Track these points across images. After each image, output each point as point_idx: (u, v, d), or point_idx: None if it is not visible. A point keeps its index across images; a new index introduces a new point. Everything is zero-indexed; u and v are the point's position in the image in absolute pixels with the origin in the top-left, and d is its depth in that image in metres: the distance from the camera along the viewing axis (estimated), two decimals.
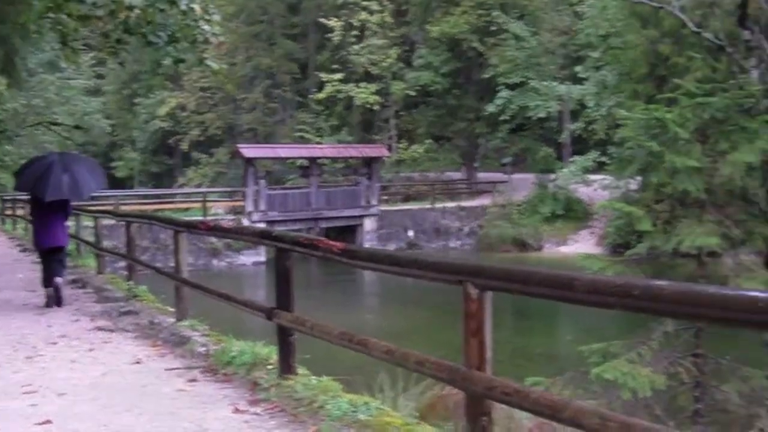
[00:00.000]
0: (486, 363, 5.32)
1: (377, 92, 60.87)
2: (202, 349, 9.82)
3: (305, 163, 49.79)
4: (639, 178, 33.13)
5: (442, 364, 5.76)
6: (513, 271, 5.32)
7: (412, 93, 60.45)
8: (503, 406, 5.74)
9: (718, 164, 11.81)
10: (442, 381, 6.41)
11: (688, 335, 11.69)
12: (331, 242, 7.19)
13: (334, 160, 55.14)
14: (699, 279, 11.69)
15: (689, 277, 13.93)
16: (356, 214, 47.60)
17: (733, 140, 12.03)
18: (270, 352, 8.78)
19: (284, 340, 8.03)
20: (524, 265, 5.78)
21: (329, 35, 63.35)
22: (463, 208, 51.76)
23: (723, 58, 15.07)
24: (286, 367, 7.98)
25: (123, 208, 35.54)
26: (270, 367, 8.43)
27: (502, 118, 53.78)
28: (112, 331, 11.40)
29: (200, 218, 35.75)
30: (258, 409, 7.16)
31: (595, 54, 49.78)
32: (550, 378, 12.13)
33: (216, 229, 11.52)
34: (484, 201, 53.28)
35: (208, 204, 46.59)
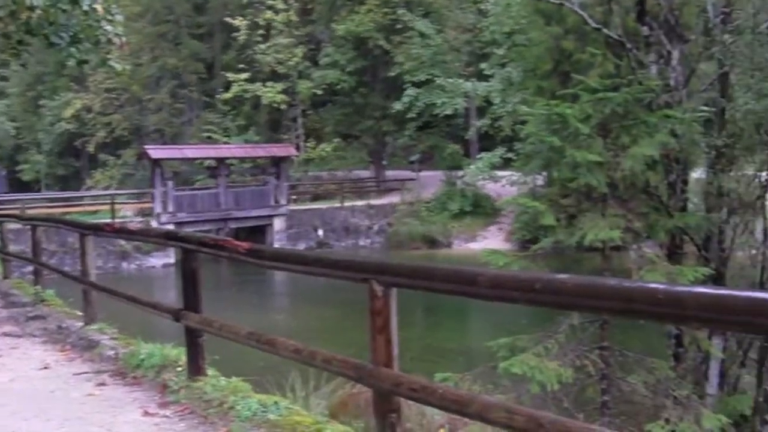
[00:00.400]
0: (393, 360, 5.31)
1: (284, 91, 60.60)
2: (110, 353, 9.68)
3: (213, 163, 49.45)
4: (545, 173, 33.65)
5: (349, 362, 5.74)
6: (417, 267, 5.33)
7: (319, 92, 60.30)
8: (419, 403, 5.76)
9: (619, 158, 11.97)
10: (349, 378, 6.39)
11: (594, 328, 11.82)
12: (237, 242, 7.15)
13: (242, 160, 54.88)
14: (603, 272, 11.82)
15: (594, 271, 14.14)
16: (265, 214, 47.36)
17: (633, 134, 12.20)
18: (179, 353, 8.68)
19: (193, 341, 7.95)
20: (428, 262, 5.80)
21: (235, 35, 62.88)
22: (372, 207, 51.84)
23: (625, 54, 15.27)
24: (195, 368, 7.90)
25: (29, 211, 34.90)
26: (179, 369, 8.34)
27: (409, 115, 53.91)
28: (19, 336, 11.19)
29: (107, 221, 35.26)
30: (168, 412, 7.09)
31: (500, 51, 50.24)
32: (460, 374, 12.18)
33: (122, 231, 11.39)
34: (392, 199, 53.44)
35: (117, 206, 45.89)
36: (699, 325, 9.28)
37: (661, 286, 3.66)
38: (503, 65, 50.33)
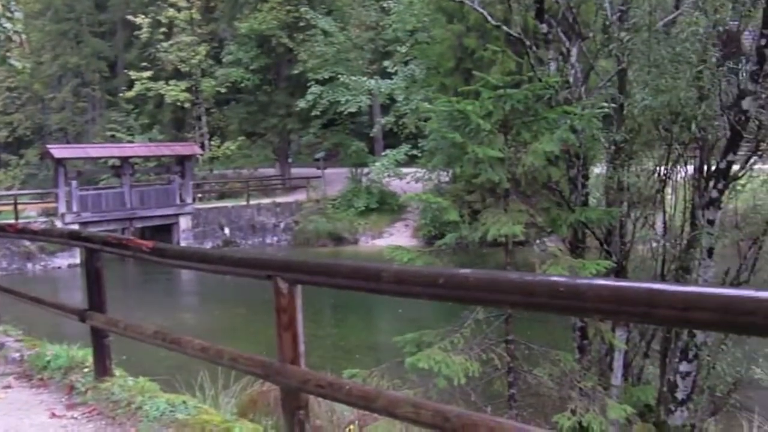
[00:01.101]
0: (300, 356, 5.33)
1: (187, 90, 60.29)
2: (16, 355, 9.55)
3: (117, 162, 48.88)
4: (450, 170, 33.88)
5: (255, 360, 5.75)
6: (321, 264, 5.36)
7: (223, 90, 60.12)
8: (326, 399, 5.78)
9: (520, 154, 12.10)
10: (257, 376, 6.40)
11: (499, 322, 11.94)
12: (141, 241, 7.11)
13: (147, 158, 54.44)
14: (507, 267, 11.96)
15: (498, 266, 14.31)
16: (171, 212, 47.04)
17: (534, 131, 12.35)
18: (86, 354, 8.62)
19: (99, 342, 7.91)
20: (333, 259, 5.84)
21: (137, 33, 62.40)
22: (278, 204, 51.77)
23: (525, 52, 15.46)
24: (102, 369, 7.86)
25: None
26: (86, 370, 8.28)
27: (313, 113, 53.94)
28: None
29: (10, 221, 34.61)
30: (75, 413, 7.03)
31: (403, 49, 50.54)
32: (368, 369, 12.22)
33: (25, 232, 11.24)
34: (298, 196, 53.48)
35: (20, 206, 45.17)
36: (600, 317, 9.47)
37: (562, 279, 3.73)
38: (406, 63, 50.64)
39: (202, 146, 58.95)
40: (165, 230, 46.16)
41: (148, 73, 60.31)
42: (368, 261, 5.24)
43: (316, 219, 49.27)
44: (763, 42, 12.87)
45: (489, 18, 16.94)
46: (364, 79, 51.46)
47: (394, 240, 42.82)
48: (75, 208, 43.06)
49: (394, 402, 4.62)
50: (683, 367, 13.92)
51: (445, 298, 4.52)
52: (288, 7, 56.35)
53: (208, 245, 46.61)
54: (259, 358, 5.73)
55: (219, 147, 61.40)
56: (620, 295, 3.47)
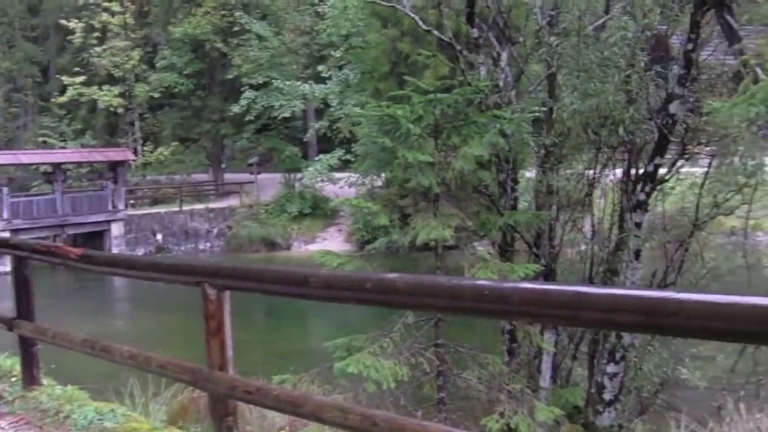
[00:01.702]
0: (228, 363, 5.30)
1: (121, 95, 59.78)
2: None
3: (49, 168, 48.24)
4: (384, 174, 33.91)
5: (184, 366, 5.70)
6: (250, 270, 5.35)
7: (156, 95, 59.64)
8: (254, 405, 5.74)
9: (450, 158, 12.13)
10: (185, 383, 6.35)
11: (429, 326, 11.95)
12: (69, 248, 7.02)
13: (79, 164, 53.74)
14: (437, 271, 11.98)
15: (429, 270, 14.34)
16: (103, 219, 46.51)
17: (464, 135, 12.38)
18: (14, 363, 8.51)
19: (27, 350, 7.80)
20: (261, 264, 5.80)
21: (71, 37, 61.72)
22: (211, 210, 51.49)
23: (456, 56, 15.54)
24: (30, 378, 7.75)
25: None
26: (14, 379, 8.18)
27: (247, 118, 53.71)
28: None
29: None
30: (2, 423, 6.92)
31: (338, 53, 50.50)
32: (299, 375, 12.18)
33: None
34: (232, 202, 53.23)
35: None
36: (525, 320, 9.51)
37: (487, 283, 3.75)
38: (341, 67, 50.64)
39: (135, 152, 58.47)
40: (97, 237, 45.70)
41: (81, 78, 59.66)
42: (300, 266, 5.23)
43: (249, 224, 49.10)
44: (690, 46, 13.05)
45: (420, 23, 17.00)
46: (299, 83, 51.37)
47: (328, 245, 42.75)
48: (6, 216, 42.35)
49: (322, 407, 4.61)
50: (611, 368, 14.05)
51: (373, 303, 4.52)
52: (222, 12, 56.12)
53: (140, 252, 46.22)
54: (188, 365, 5.68)
55: (152, 152, 60.92)
56: (545, 298, 3.50)
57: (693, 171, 15.58)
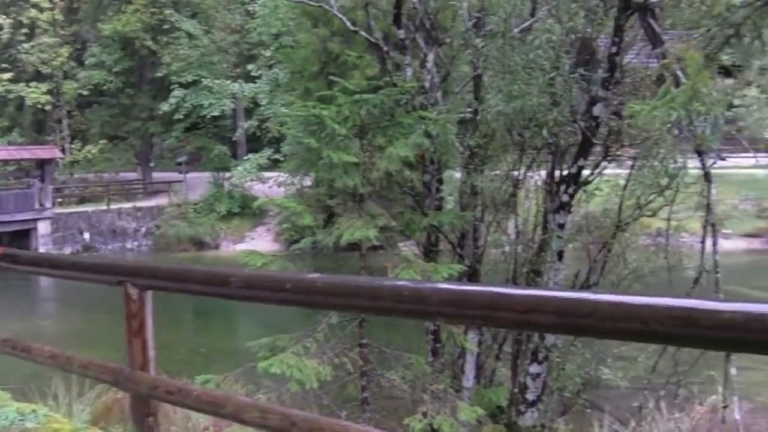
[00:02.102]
0: (149, 363, 5.24)
1: (49, 92, 58.81)
2: None
3: None
4: (313, 174, 33.89)
5: (106, 366, 5.63)
6: (171, 269, 5.31)
7: (85, 92, 58.86)
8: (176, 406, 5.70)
9: (375, 159, 12.17)
10: (107, 383, 6.30)
11: (353, 326, 11.98)
12: None
13: (5, 162, 52.88)
14: (361, 271, 12.00)
15: (355, 270, 14.34)
16: (29, 217, 45.75)
17: (389, 136, 12.45)
18: None
19: None
20: (183, 264, 5.78)
21: None
22: (139, 209, 51.02)
23: (393, 56, 15.59)
24: None
25: None
26: None
27: (176, 116, 53.31)
28: None
29: None
30: None
31: (268, 53, 50.36)
32: (223, 375, 12.12)
33: None
34: (160, 201, 52.80)
35: None
36: (444, 320, 9.55)
37: (407, 284, 3.76)
38: (271, 67, 50.51)
39: (63, 150, 57.61)
40: (24, 235, 44.94)
41: (8, 75, 58.58)
42: (228, 266, 5.21)
43: (177, 224, 48.77)
44: (614, 50, 13.21)
45: (347, 23, 17.02)
46: (228, 82, 51.15)
47: (256, 245, 42.59)
48: None
49: (242, 407, 4.58)
50: (534, 368, 14.18)
51: (293, 303, 4.50)
52: (152, 10, 55.56)
53: (67, 250, 45.66)
54: (109, 365, 5.62)
55: (80, 150, 60.08)
56: (463, 299, 3.50)
57: (618, 173, 15.78)
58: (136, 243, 50.20)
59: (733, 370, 11.45)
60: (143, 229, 50.59)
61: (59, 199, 51.50)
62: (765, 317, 2.46)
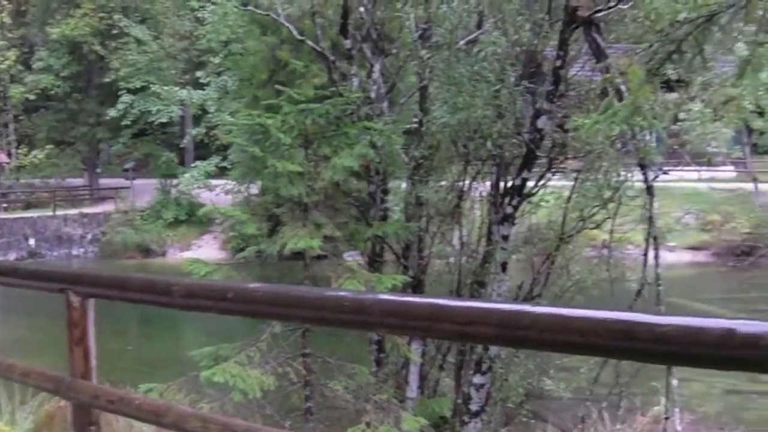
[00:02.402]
0: (91, 371, 5.21)
1: None
2: None
3: None
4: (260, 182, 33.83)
5: (47, 375, 5.59)
6: (113, 277, 5.28)
7: (32, 97, 58.35)
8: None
9: (320, 168, 12.19)
10: (48, 392, 6.25)
11: (296, 336, 11.96)
12: None
13: None
14: (305, 281, 12.00)
15: (298, 280, 14.33)
16: None
17: (334, 145, 12.46)
18: None
19: None
20: (124, 272, 5.77)
21: None
22: (85, 215, 50.68)
23: (339, 66, 15.61)
24: None
25: None
26: None
27: (124, 122, 53.06)
28: None
29: None
30: None
31: (217, 60, 50.23)
32: (166, 384, 12.05)
33: None
34: (107, 207, 52.48)
35: None
36: (385, 331, 9.58)
37: (348, 294, 3.78)
38: (219, 74, 50.41)
39: (9, 154, 57.19)
40: None
41: None
42: (175, 274, 5.22)
43: (124, 231, 48.49)
44: (558, 63, 13.30)
45: (294, 32, 17.04)
46: (176, 89, 50.98)
47: (203, 252, 42.45)
48: None
49: (184, 417, 4.57)
50: (477, 379, 14.21)
51: (235, 313, 4.49)
52: (101, 14, 55.20)
53: (12, 257, 45.25)
54: (51, 373, 5.58)
55: (26, 155, 59.51)
56: (403, 310, 3.51)
57: (564, 185, 15.89)
58: (82, 250, 49.83)
59: (674, 382, 11.55)
60: (89, 236, 50.24)
61: (4, 205, 51.13)
62: (699, 331, 2.49)
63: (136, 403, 4.91)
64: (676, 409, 11.79)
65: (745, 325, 2.36)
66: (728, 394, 20.12)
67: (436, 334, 4.59)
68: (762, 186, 43.26)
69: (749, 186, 43.56)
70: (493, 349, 14.03)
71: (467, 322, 3.21)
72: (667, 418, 11.85)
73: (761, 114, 33.01)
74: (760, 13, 11.19)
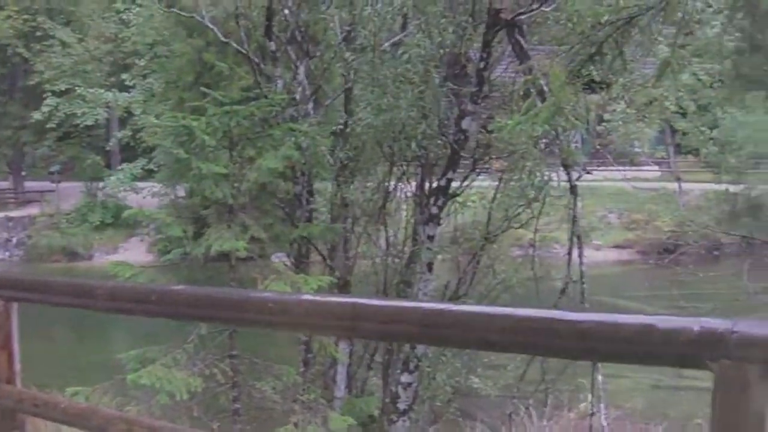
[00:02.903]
0: (15, 375, 5.21)
1: None
2: None
3: None
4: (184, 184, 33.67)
5: None
6: (36, 281, 5.30)
7: None
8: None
9: (245, 170, 12.20)
10: None
11: (223, 337, 11.96)
12: None
13: None
14: (231, 283, 12.01)
15: (225, 282, 14.33)
16: None
17: (259, 147, 12.48)
18: None
19: None
20: (48, 275, 5.76)
21: None
22: (10, 219, 50.04)
23: (264, 68, 15.61)
24: None
25: None
26: None
27: (49, 125, 52.26)
28: None
29: None
30: None
31: (142, 62, 49.83)
32: (92, 387, 11.97)
33: None
34: (32, 210, 51.84)
35: None
36: (309, 331, 9.62)
37: (271, 295, 3.85)
38: (145, 76, 49.98)
39: None
40: None
41: None
42: (102, 277, 5.23)
43: (49, 234, 47.97)
44: (482, 65, 13.46)
45: (218, 33, 17.06)
46: (102, 91, 50.44)
47: (129, 256, 42.06)
48: None
49: (109, 420, 4.61)
50: (405, 378, 14.29)
51: (159, 315, 4.56)
52: (25, 16, 54.34)
53: None
54: None
55: None
56: (326, 310, 3.59)
57: (490, 185, 16.07)
58: (7, 253, 49.21)
59: (600, 378, 11.73)
60: (15, 239, 49.65)
61: None
62: (619, 327, 2.56)
63: (62, 406, 4.93)
64: (602, 405, 11.97)
65: (663, 321, 2.45)
66: (653, 390, 20.49)
67: (359, 333, 4.68)
68: (685, 185, 44.05)
69: (673, 185, 44.29)
70: (420, 348, 14.13)
71: (388, 321, 3.30)
72: (592, 414, 12.02)
73: (684, 115, 33.63)
74: (680, 15, 11.45)
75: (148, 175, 46.68)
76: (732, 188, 40.73)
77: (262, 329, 4.45)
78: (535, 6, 12.63)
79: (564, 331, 2.70)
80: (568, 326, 2.68)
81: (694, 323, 2.35)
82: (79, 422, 4.86)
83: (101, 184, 50.84)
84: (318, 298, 3.81)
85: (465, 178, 14.96)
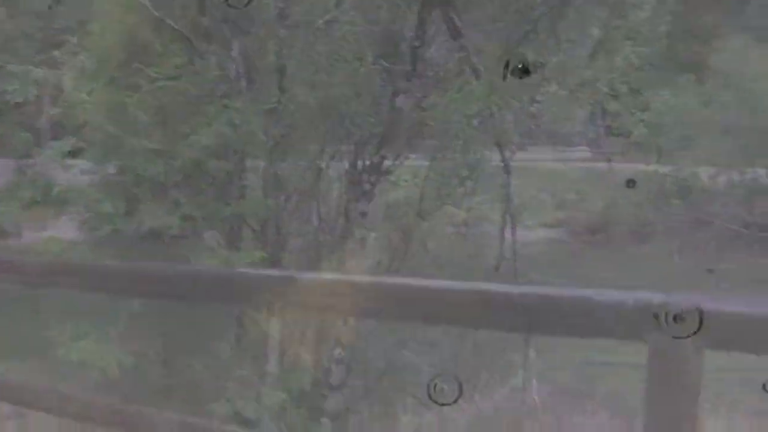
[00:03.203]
0: None
1: None
2: None
3: None
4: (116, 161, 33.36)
5: None
6: None
7: None
8: None
9: (178, 147, 12.16)
10: None
11: (156, 313, 11.95)
12: None
13: None
14: (165, 259, 11.97)
15: (157, 259, 14.27)
16: None
17: (192, 124, 12.45)
18: None
19: None
20: None
21: None
22: None
23: (198, 46, 15.49)
24: None
25: None
26: None
27: None
28: None
29: None
30: None
31: (75, 39, 49.19)
32: (24, 362, 11.88)
33: None
34: None
35: None
36: (244, 305, 9.64)
37: (205, 269, 3.88)
38: (77, 53, 49.34)
39: None
40: None
41: None
42: (33, 254, 5.23)
43: None
44: (417, 43, 13.51)
45: (151, 9, 16.91)
46: (33, 68, 49.70)
47: (60, 233, 41.52)
48: None
49: (41, 395, 4.60)
50: (337, 353, 14.36)
51: (89, 289, 4.54)
52: None
53: None
54: None
55: None
56: (262, 284, 3.62)
57: (423, 164, 16.12)
58: None
59: (532, 354, 11.86)
60: None
61: None
62: (556, 299, 2.60)
63: None
64: (534, 380, 12.11)
65: (599, 294, 2.44)
66: (584, 366, 20.74)
67: (292, 307, 4.70)
68: (616, 166, 44.48)
69: (604, 166, 44.73)
70: (353, 323, 14.20)
71: (326, 294, 3.35)
72: (525, 390, 12.16)
73: (615, 97, 33.99)
74: None
75: (78, 152, 46.14)
76: (661, 170, 41.15)
77: (195, 304, 4.48)
78: None
79: (500, 303, 2.70)
80: (504, 299, 2.69)
81: (629, 297, 2.35)
82: (11, 397, 4.86)
83: (31, 162, 50.10)
84: (252, 270, 3.86)
85: (398, 156, 15.00)
